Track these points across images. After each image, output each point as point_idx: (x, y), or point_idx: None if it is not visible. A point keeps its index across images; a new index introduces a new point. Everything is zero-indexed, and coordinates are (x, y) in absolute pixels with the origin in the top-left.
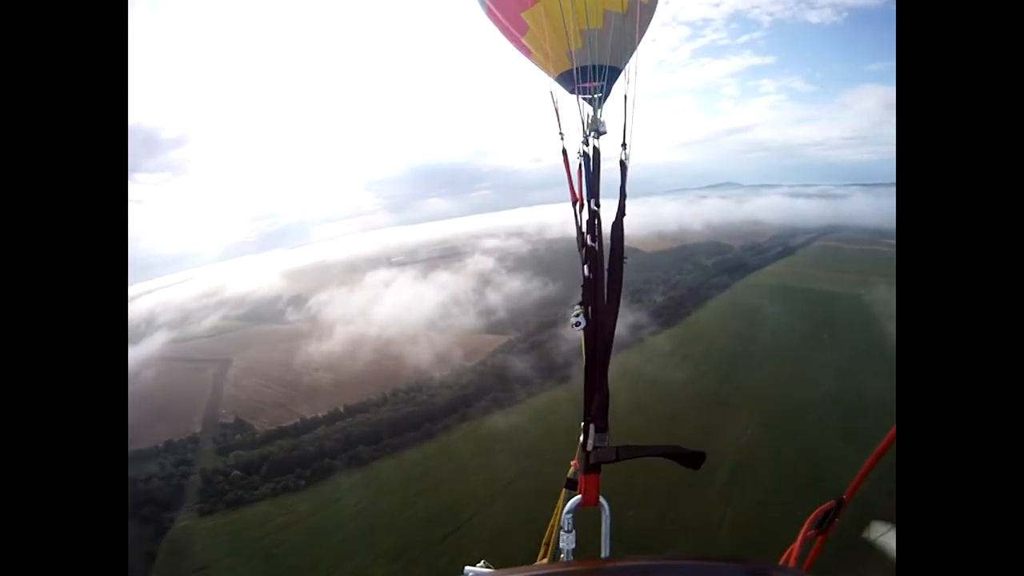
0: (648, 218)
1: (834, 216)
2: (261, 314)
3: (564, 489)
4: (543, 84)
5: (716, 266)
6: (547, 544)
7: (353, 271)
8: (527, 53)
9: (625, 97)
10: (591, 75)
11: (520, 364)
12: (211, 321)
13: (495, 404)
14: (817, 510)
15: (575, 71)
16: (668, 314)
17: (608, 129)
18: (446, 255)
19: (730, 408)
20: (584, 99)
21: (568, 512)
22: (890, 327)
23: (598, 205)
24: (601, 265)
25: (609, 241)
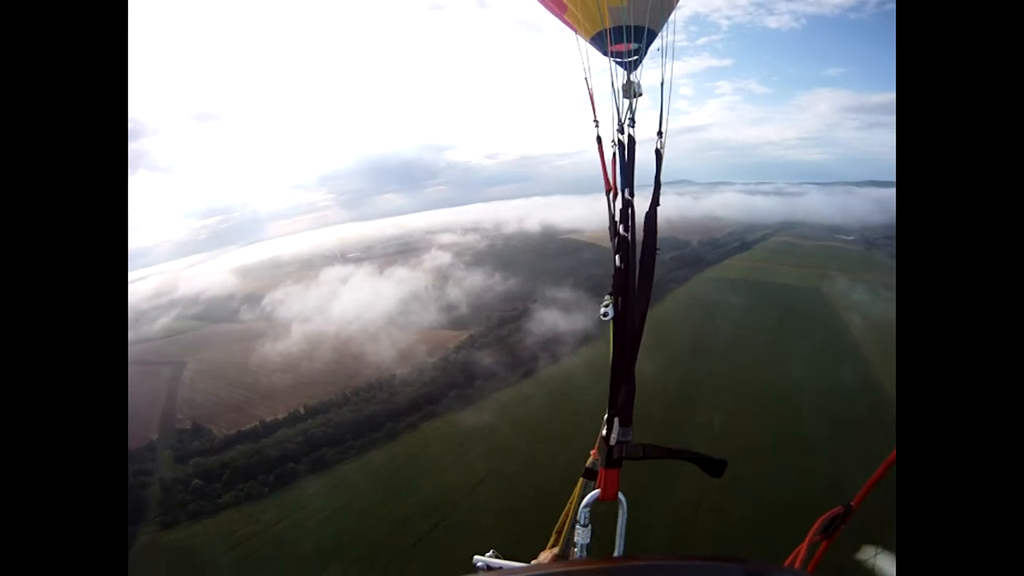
0: (606, 214)
1: (790, 213)
2: (215, 314)
3: (582, 478)
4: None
5: (674, 260)
6: (559, 532)
7: (308, 267)
8: (561, 10)
9: (661, 84)
10: (629, 35)
11: (483, 359)
12: (164, 322)
13: (459, 401)
14: (824, 515)
15: (609, 32)
16: None
17: (643, 91)
18: (402, 251)
19: (697, 399)
20: (617, 62)
21: (585, 506)
22: (849, 319)
23: (632, 195)
24: (633, 255)
25: (642, 232)
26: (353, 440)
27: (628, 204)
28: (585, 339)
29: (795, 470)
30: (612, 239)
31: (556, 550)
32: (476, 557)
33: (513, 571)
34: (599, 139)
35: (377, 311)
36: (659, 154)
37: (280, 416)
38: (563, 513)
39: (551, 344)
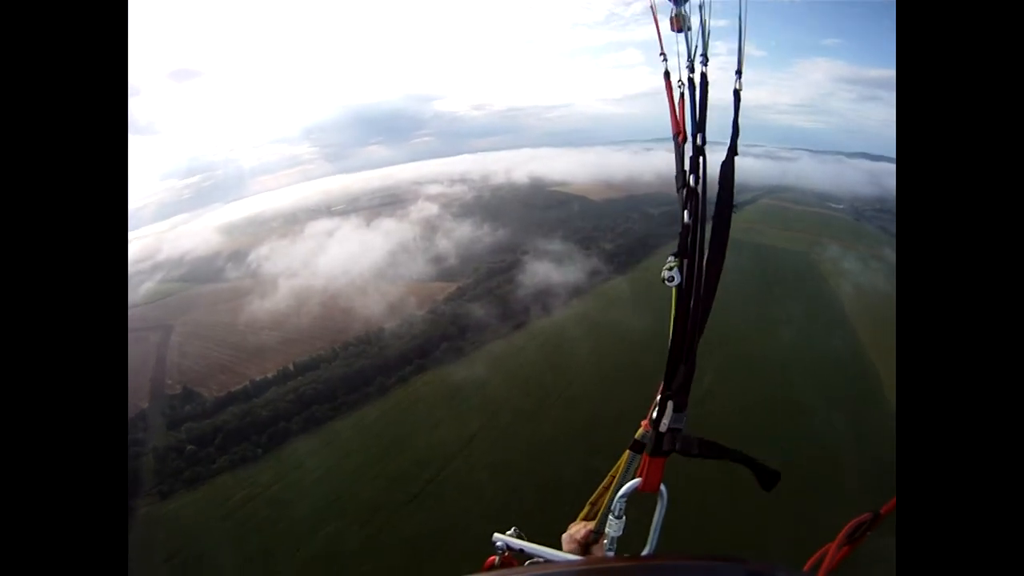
0: (595, 167)
1: (780, 177)
2: (200, 274)
3: (628, 451)
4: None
5: (663, 216)
6: (592, 504)
7: (293, 222)
8: None
9: (740, 17)
10: None
11: (473, 311)
12: (149, 286)
13: (450, 354)
14: (852, 522)
15: None
16: (619, 261)
17: (692, 25)
18: (389, 202)
19: None
20: None
21: (622, 496)
22: (837, 286)
23: (704, 140)
24: (704, 210)
25: (717, 183)
26: (344, 396)
27: (700, 152)
28: (576, 292)
29: (783, 432)
30: (679, 190)
31: (591, 525)
32: (496, 535)
33: (518, 571)
34: (667, 75)
35: (364, 264)
36: (737, 95)
37: (270, 375)
38: (600, 486)
39: (542, 296)
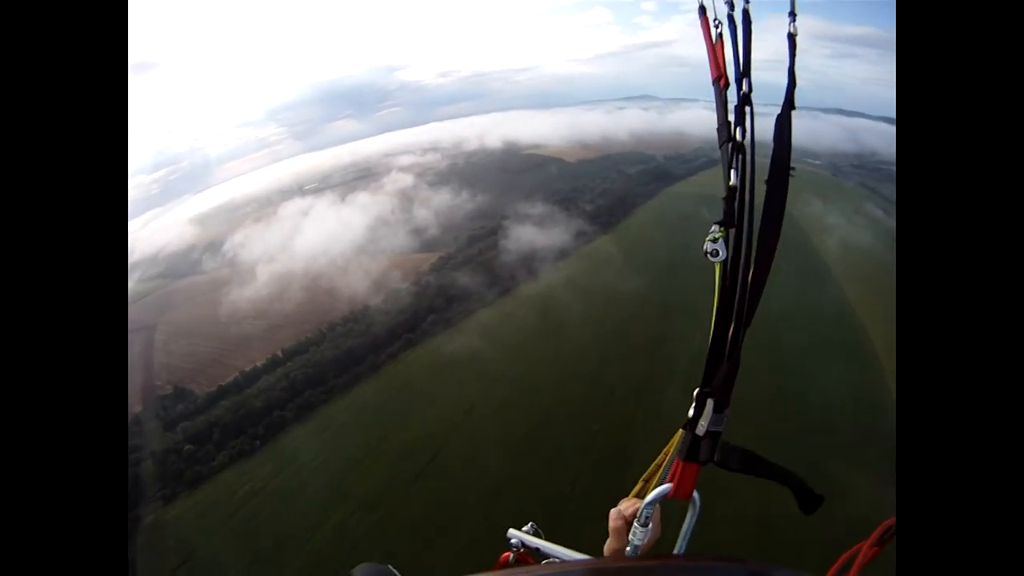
0: (569, 129)
1: (757, 133)
2: (177, 269)
3: (681, 430)
4: None
5: (641, 175)
6: (646, 480)
7: (266, 206)
8: None
9: None
10: None
11: (458, 280)
12: (128, 287)
13: (438, 325)
14: (884, 523)
15: None
16: (600, 222)
17: None
18: (361, 176)
19: (677, 315)
20: None
21: (649, 503)
22: (820, 242)
23: (751, 88)
24: (753, 170)
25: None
26: (336, 379)
27: (746, 100)
28: (561, 253)
29: (773, 389)
30: (722, 145)
31: (641, 504)
32: (511, 531)
33: (532, 570)
34: (702, 10)
35: (343, 241)
36: (792, 39)
37: (259, 364)
38: (654, 464)
39: (527, 260)
